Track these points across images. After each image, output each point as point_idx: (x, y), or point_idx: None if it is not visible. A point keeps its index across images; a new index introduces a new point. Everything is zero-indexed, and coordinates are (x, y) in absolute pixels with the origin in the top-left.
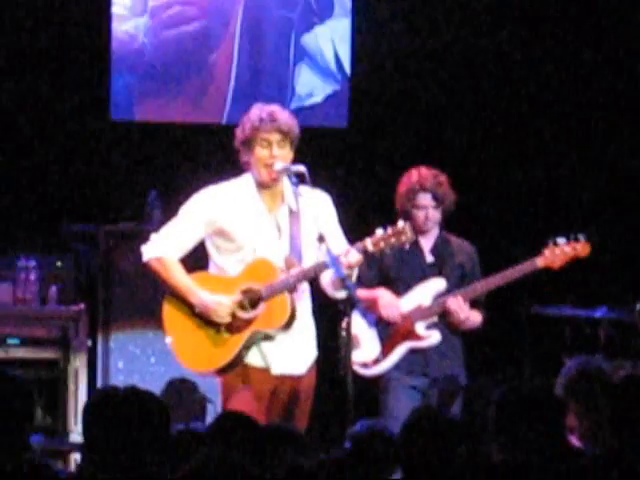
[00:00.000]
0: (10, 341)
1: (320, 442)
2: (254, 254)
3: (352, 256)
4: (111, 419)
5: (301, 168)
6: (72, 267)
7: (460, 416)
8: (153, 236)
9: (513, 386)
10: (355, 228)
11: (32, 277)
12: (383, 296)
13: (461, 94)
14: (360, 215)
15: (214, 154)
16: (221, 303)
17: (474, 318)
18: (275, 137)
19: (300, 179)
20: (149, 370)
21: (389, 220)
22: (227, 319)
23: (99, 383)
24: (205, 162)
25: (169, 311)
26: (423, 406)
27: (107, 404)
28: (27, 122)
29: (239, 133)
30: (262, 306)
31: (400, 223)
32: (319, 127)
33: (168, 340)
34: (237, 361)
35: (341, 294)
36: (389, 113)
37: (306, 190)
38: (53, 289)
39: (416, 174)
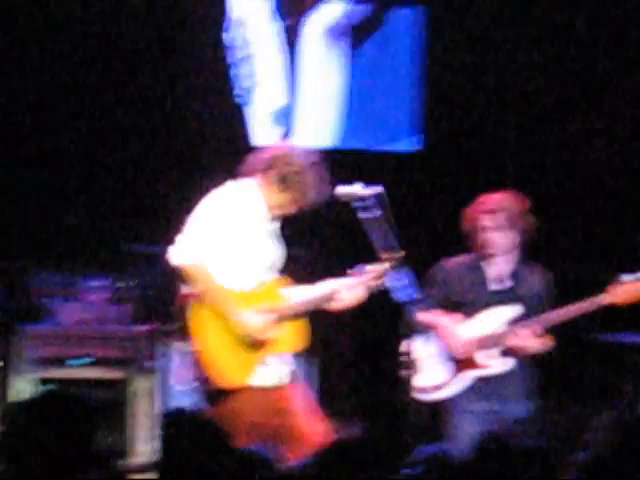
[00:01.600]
0: (76, 361)
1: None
2: (259, 274)
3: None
4: (173, 436)
5: (378, 189)
6: (137, 287)
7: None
8: (184, 239)
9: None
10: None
11: (100, 298)
12: (447, 326)
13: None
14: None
15: None
16: (266, 322)
17: (541, 345)
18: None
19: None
20: None
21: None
22: (262, 334)
23: (161, 404)
24: None
25: (199, 319)
26: (492, 431)
27: (170, 425)
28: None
29: (287, 168)
30: (280, 325)
31: (382, 265)
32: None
33: (190, 348)
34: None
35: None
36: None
37: None
38: (119, 309)
39: (486, 196)
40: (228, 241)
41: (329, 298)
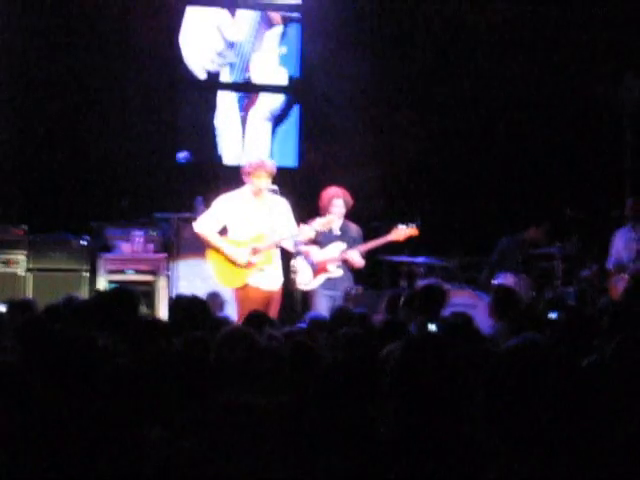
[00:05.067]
0: (128, 271)
1: (283, 324)
2: (250, 231)
3: (307, 231)
4: (180, 308)
5: (275, 187)
6: (160, 235)
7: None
8: (199, 218)
9: (392, 293)
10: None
11: (140, 240)
12: (313, 250)
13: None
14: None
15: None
16: (242, 255)
17: (362, 262)
18: (264, 174)
19: (275, 192)
20: (197, 287)
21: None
22: (244, 263)
23: (173, 293)
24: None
25: (211, 256)
26: (337, 306)
27: (178, 303)
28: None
29: (246, 169)
30: (260, 255)
31: (330, 216)
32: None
33: (210, 270)
34: (246, 283)
35: (293, 249)
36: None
37: (278, 197)
38: (150, 246)
39: (333, 189)
40: (229, 217)
41: (283, 240)
